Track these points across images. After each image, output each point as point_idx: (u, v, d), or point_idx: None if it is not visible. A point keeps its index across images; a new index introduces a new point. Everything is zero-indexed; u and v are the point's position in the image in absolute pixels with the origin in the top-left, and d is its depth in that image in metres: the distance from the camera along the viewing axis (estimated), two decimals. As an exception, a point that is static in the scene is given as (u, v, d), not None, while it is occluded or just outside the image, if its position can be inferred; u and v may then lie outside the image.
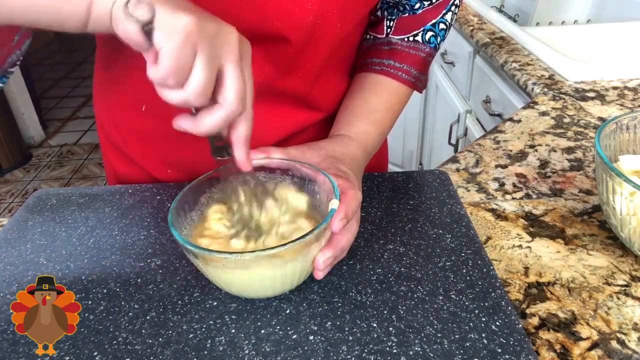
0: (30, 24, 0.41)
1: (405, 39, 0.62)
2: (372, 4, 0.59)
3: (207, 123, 0.37)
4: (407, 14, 0.63)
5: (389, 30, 0.63)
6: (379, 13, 0.65)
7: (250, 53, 0.38)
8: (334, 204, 0.42)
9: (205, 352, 0.40)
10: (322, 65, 0.59)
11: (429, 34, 0.62)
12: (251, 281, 0.41)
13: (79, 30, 0.39)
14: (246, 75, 0.38)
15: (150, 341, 0.41)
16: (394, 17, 0.63)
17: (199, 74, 0.34)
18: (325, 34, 0.55)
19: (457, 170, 0.68)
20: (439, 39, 0.63)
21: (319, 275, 0.43)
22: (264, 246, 0.43)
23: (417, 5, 0.62)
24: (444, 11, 0.62)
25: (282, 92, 0.59)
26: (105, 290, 0.46)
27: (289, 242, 0.38)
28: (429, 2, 0.62)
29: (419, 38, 0.62)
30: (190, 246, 0.39)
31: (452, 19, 0.64)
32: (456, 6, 0.64)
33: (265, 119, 0.60)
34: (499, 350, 0.39)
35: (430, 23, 0.62)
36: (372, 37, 0.65)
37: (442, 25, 0.63)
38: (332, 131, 0.60)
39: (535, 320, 0.44)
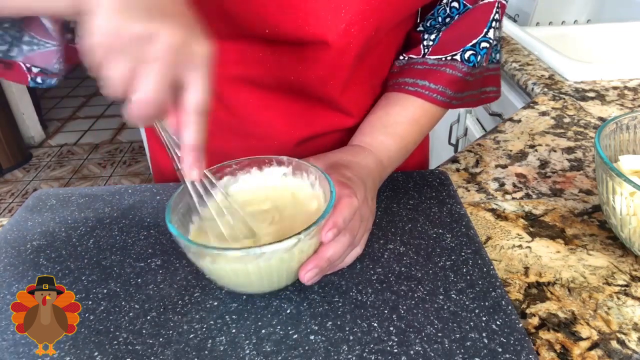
0: (21, 11, 0.40)
1: (443, 59, 0.60)
2: (405, 12, 0.58)
3: (127, 115, 0.36)
4: (445, 27, 0.61)
5: (426, 50, 0.61)
6: (420, 28, 0.63)
7: (199, 58, 0.35)
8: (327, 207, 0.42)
9: (206, 352, 0.40)
10: (352, 72, 0.58)
11: (469, 52, 0.59)
12: (252, 274, 0.41)
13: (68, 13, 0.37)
14: (193, 81, 0.35)
15: (150, 341, 0.41)
16: (433, 37, 0.61)
17: (113, 74, 0.34)
18: (356, 41, 0.54)
19: (457, 170, 0.68)
20: (479, 58, 0.60)
21: (306, 283, 0.43)
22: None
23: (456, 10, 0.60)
24: (485, 29, 0.59)
25: (312, 93, 0.59)
26: (105, 290, 0.46)
27: (279, 241, 0.39)
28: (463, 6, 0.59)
29: (457, 57, 0.59)
30: (187, 241, 0.40)
31: (495, 35, 0.61)
32: (497, 21, 0.60)
33: (295, 114, 0.61)
34: (500, 350, 0.39)
35: (471, 44, 0.59)
36: (406, 58, 0.63)
37: (484, 44, 0.60)
38: (349, 142, 0.60)
39: (535, 320, 0.44)
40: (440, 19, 0.61)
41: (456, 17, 0.60)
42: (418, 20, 0.64)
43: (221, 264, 0.40)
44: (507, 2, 0.61)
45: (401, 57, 0.64)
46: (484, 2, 0.59)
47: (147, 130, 0.74)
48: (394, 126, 0.59)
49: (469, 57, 0.59)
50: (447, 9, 0.60)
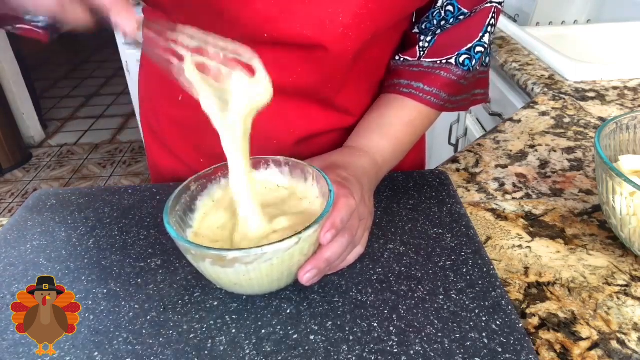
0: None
1: (438, 62, 0.60)
2: (400, 14, 0.57)
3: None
4: (440, 30, 0.61)
5: (421, 52, 0.62)
6: (416, 29, 0.63)
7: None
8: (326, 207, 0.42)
9: (206, 352, 0.40)
10: (349, 73, 0.58)
11: (464, 56, 0.60)
12: (247, 277, 0.41)
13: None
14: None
15: (150, 341, 0.41)
16: (428, 39, 0.61)
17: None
18: (353, 44, 0.54)
19: (457, 170, 0.68)
20: (474, 62, 0.60)
21: (305, 284, 0.43)
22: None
23: (451, 14, 0.60)
24: (480, 34, 0.60)
25: (310, 93, 0.59)
26: (105, 290, 0.46)
27: (280, 241, 0.38)
28: (461, 13, 0.60)
29: (452, 61, 0.60)
30: (186, 243, 0.40)
31: (489, 40, 0.61)
32: (492, 26, 0.61)
33: (293, 114, 0.61)
34: (500, 350, 0.39)
35: (466, 48, 0.60)
36: (402, 59, 0.63)
37: (479, 48, 0.60)
38: (345, 144, 0.60)
39: (535, 320, 0.44)
40: (435, 21, 0.61)
41: (451, 20, 0.61)
42: (414, 20, 0.64)
43: (221, 265, 0.40)
44: (502, 6, 0.62)
45: (397, 58, 0.64)
46: (481, 8, 0.59)
47: (145, 131, 0.75)
48: (389, 127, 0.59)
49: (463, 61, 0.60)
50: (442, 12, 0.60)
